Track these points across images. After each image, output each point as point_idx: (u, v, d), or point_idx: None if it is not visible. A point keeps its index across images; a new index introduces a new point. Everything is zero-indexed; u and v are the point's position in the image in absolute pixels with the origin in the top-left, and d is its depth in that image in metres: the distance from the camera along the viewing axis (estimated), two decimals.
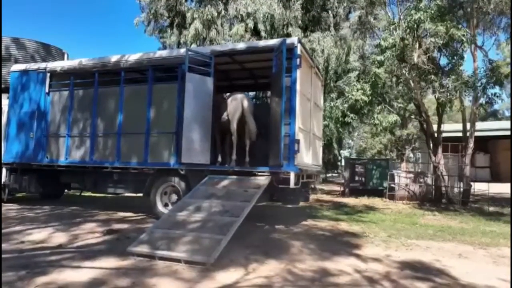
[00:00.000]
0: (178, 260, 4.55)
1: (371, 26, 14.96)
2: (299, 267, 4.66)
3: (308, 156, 7.49)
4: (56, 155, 8.60)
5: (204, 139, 7.04)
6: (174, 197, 7.60)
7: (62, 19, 66.99)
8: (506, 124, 29.92)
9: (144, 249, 4.81)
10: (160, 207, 7.56)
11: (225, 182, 6.65)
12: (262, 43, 7.57)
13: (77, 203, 9.36)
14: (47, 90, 8.79)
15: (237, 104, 7.28)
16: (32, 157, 8.74)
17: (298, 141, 6.50)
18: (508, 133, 24.60)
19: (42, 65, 9.05)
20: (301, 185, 6.85)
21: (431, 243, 6.34)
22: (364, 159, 22.36)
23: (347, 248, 5.69)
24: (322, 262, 4.88)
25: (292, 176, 6.39)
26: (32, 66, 9.13)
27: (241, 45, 7.45)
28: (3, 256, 4.53)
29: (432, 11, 11.34)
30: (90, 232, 6.14)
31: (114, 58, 8.05)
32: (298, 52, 6.60)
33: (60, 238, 5.70)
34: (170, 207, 7.58)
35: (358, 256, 5.23)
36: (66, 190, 10.79)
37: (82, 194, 11.13)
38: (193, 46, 13.50)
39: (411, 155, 37.27)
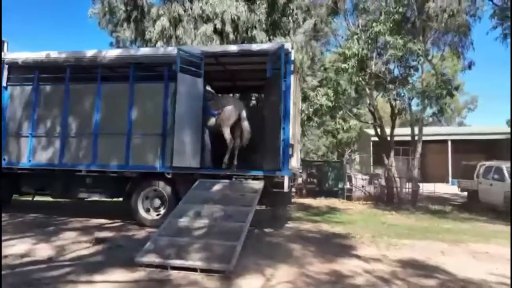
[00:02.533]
0: (193, 269, 4.39)
1: (332, 33, 15.62)
2: (312, 270, 4.76)
3: (294, 160, 7.64)
4: (16, 156, 7.72)
5: (195, 142, 6.83)
6: (157, 202, 7.24)
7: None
8: (431, 130, 33.64)
9: (153, 258, 4.56)
10: (142, 212, 7.16)
11: (218, 186, 6.52)
12: (256, 46, 7.55)
13: (34, 210, 8.43)
14: (4, 84, 7.87)
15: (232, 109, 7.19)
16: None
17: (292, 146, 6.61)
18: (435, 138, 27.99)
19: None
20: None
21: (412, 241, 6.83)
22: (320, 161, 23.22)
23: (344, 249, 5.93)
24: (330, 264, 5.04)
25: (286, 180, 6.48)
26: None
27: (233, 48, 7.34)
28: None
29: (391, 25, 12.25)
30: (75, 242, 5.63)
31: (90, 53, 7.44)
32: (292, 57, 6.71)
33: (45, 250, 5.16)
34: (152, 212, 7.24)
35: (358, 257, 5.47)
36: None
37: (34, 199, 10.04)
38: (159, 43, 13.01)
39: (348, 156, 39.71)
